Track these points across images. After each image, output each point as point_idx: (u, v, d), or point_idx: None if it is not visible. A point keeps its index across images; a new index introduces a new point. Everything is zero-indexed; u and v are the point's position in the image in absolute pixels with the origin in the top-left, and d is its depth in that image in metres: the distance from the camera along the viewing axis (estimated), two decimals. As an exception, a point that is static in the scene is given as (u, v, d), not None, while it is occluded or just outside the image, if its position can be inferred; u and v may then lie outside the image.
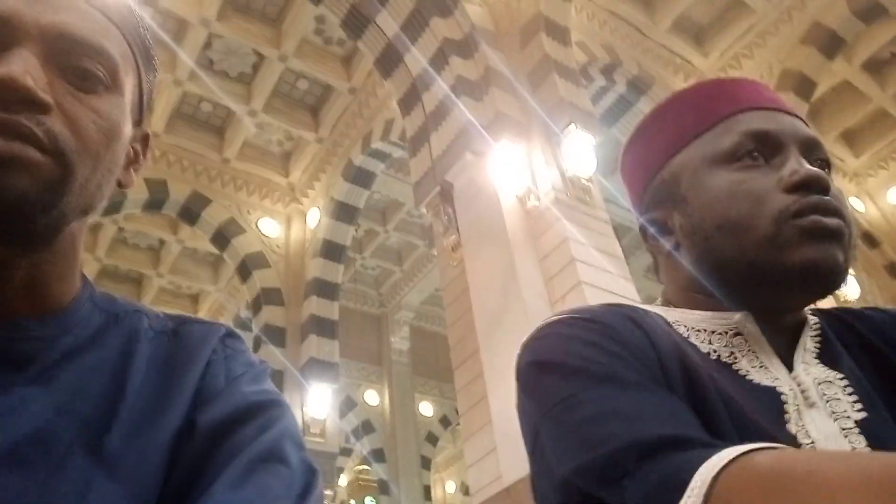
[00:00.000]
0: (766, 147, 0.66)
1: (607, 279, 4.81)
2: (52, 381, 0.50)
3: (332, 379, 8.54)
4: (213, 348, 0.58)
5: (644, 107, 8.30)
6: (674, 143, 0.72)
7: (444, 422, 12.40)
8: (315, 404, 8.05)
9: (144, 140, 0.62)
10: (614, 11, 8.19)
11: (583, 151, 5.40)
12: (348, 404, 11.01)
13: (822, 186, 0.63)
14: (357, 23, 6.84)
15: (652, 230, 0.73)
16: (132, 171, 0.59)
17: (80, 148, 0.49)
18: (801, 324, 0.68)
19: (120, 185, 0.57)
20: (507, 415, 4.16)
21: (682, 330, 0.67)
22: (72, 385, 0.50)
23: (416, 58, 6.49)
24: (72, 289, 0.55)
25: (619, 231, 5.49)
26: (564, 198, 5.18)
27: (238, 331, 0.64)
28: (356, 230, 10.12)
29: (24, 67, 0.47)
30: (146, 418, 0.52)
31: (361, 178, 9.25)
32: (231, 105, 8.91)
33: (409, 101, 6.64)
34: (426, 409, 12.26)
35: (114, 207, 8.85)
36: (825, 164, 0.67)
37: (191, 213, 9.41)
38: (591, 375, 0.57)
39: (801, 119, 0.70)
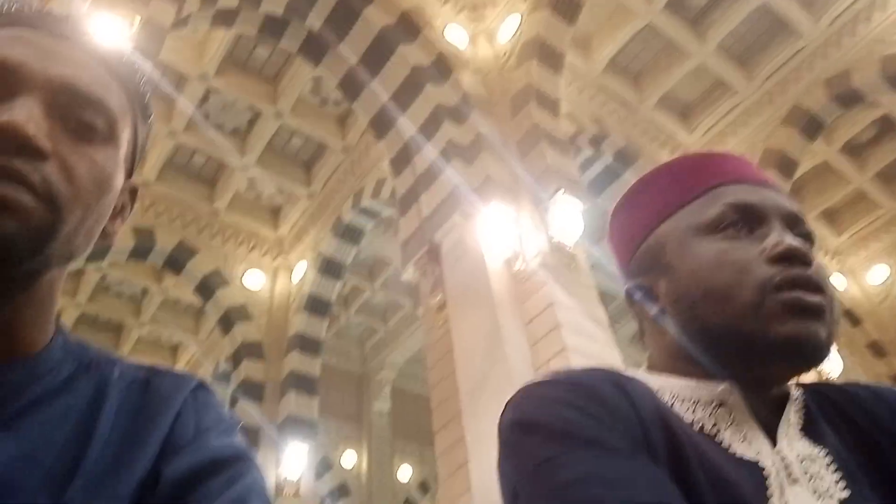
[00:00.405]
0: (749, 219, 0.68)
1: (592, 345, 4.79)
2: (17, 429, 0.49)
3: (310, 438, 8.32)
4: (183, 400, 0.58)
5: (630, 178, 8.49)
6: (660, 212, 0.73)
7: (423, 487, 12.04)
8: (290, 464, 7.81)
9: (133, 192, 0.63)
10: (603, 86, 8.48)
11: (570, 218, 5.47)
12: (324, 465, 10.69)
13: (804, 259, 0.64)
14: (353, 85, 7.02)
15: (638, 296, 0.74)
16: (118, 222, 0.60)
17: (72, 196, 0.50)
18: (785, 397, 0.68)
19: (105, 235, 0.58)
20: (488, 484, 4.05)
21: (666, 397, 0.67)
22: (37, 433, 0.50)
23: (409, 121, 6.64)
24: (45, 335, 0.55)
25: (605, 298, 5.52)
26: (551, 263, 5.22)
27: (215, 385, 0.63)
28: (342, 286, 10.08)
29: (28, 115, 0.49)
30: (112, 469, 0.51)
31: (350, 234, 9.29)
32: (225, 158, 9.02)
33: (401, 161, 6.76)
34: (405, 473, 11.91)
35: (98, 254, 8.78)
36: (808, 237, 0.69)
37: (176, 262, 9.35)
38: (574, 438, 0.57)
39: (784, 193, 0.72)
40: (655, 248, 0.72)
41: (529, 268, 5.22)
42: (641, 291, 0.73)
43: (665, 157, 8.87)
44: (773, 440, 0.64)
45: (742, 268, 0.64)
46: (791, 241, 0.65)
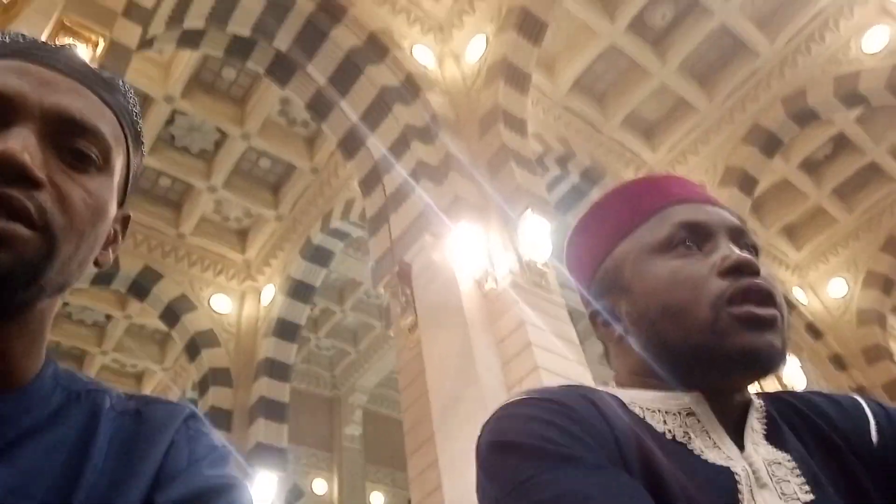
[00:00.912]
0: (697, 236, 0.71)
1: (564, 364, 4.81)
2: (8, 462, 0.49)
3: (280, 466, 8.16)
4: (176, 429, 0.59)
5: (597, 196, 8.59)
6: (614, 236, 0.77)
7: (396, 513, 11.88)
8: (260, 493, 7.62)
9: (125, 221, 0.63)
10: (569, 107, 8.62)
11: (539, 236, 5.52)
12: (295, 493, 10.46)
13: (752, 270, 0.67)
14: (321, 106, 7.01)
15: (601, 317, 0.77)
16: (110, 250, 0.61)
17: (67, 225, 0.51)
18: (748, 404, 0.71)
19: (97, 264, 0.58)
20: (462, 505, 4.01)
21: (636, 410, 0.69)
22: (28, 466, 0.50)
23: (379, 141, 6.65)
24: (35, 365, 0.55)
25: (575, 316, 5.55)
26: (521, 282, 5.24)
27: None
28: (312, 309, 9.97)
29: (23, 145, 0.49)
30: (105, 500, 0.51)
31: (320, 256, 9.21)
32: (191, 180, 8.90)
33: (371, 182, 6.75)
34: (377, 499, 11.74)
35: (59, 280, 8.53)
36: (753, 249, 0.72)
37: (141, 288, 9.16)
38: (551, 456, 0.58)
39: (727, 209, 0.76)
40: (613, 270, 0.75)
41: (500, 287, 5.24)
42: (604, 313, 0.77)
43: (630, 175, 9.02)
44: (740, 447, 0.67)
45: (695, 284, 0.67)
46: (739, 253, 0.68)
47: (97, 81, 0.59)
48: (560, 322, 5.21)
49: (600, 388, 0.73)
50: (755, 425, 0.69)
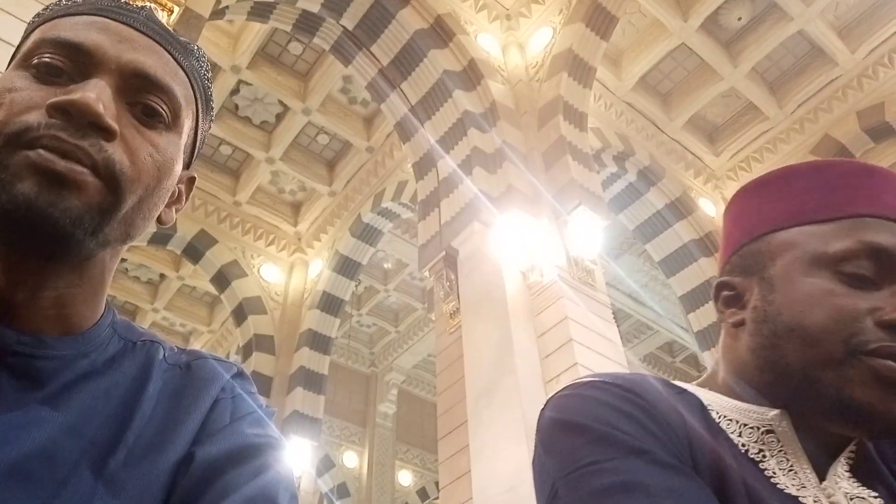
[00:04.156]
0: (878, 266, 0.60)
1: (604, 363, 4.75)
2: (65, 402, 0.51)
3: (314, 435, 8.34)
4: (222, 386, 0.60)
5: (652, 197, 8.41)
6: (785, 217, 0.66)
7: (423, 494, 12.00)
8: (292, 460, 7.82)
9: (190, 182, 0.65)
10: (631, 104, 8.44)
11: (589, 233, 5.44)
12: (326, 464, 10.71)
13: None
14: (382, 87, 7.06)
15: (725, 294, 0.68)
16: (174, 209, 0.63)
17: (133, 177, 0.52)
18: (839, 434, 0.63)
19: (160, 221, 0.60)
20: (489, 493, 4.02)
21: (714, 415, 0.64)
22: (83, 407, 0.52)
23: (436, 126, 6.65)
24: (96, 313, 0.57)
25: (618, 317, 5.47)
26: (567, 277, 5.19)
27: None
28: (356, 286, 10.11)
29: (98, 95, 0.51)
30: (151, 446, 0.53)
31: (368, 234, 9.32)
32: (250, 150, 9.10)
33: (424, 165, 6.77)
34: (405, 478, 11.90)
35: (120, 237, 8.87)
36: None
37: (196, 251, 9.45)
38: (619, 445, 0.56)
39: None
40: (765, 254, 0.65)
41: (545, 280, 5.20)
42: (732, 291, 0.68)
43: (689, 178, 8.79)
44: (820, 475, 0.60)
45: (845, 318, 0.58)
46: None
47: (173, 43, 0.60)
48: (603, 321, 5.15)
49: (680, 384, 0.68)
50: (842, 456, 0.62)
